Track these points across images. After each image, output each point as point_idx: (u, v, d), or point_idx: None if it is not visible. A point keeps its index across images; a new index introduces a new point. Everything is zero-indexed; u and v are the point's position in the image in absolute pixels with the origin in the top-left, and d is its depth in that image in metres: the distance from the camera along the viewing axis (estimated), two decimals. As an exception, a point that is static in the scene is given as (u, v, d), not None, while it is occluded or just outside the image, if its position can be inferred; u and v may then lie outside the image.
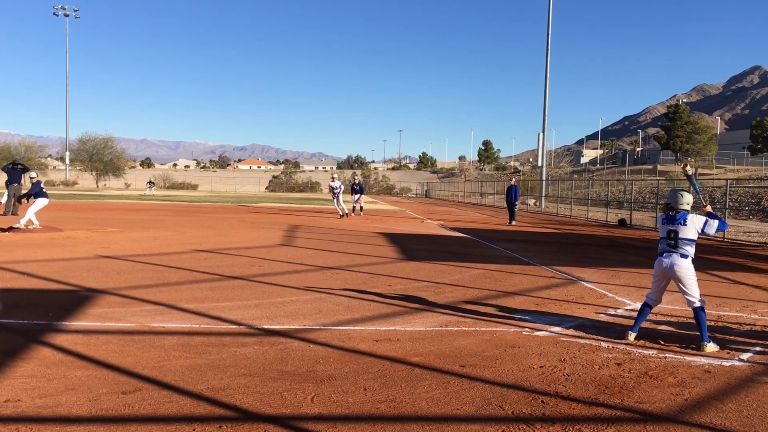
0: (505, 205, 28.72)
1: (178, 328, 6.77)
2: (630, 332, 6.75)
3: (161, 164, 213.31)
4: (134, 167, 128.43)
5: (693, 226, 6.50)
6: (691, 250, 6.54)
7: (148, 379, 5.06)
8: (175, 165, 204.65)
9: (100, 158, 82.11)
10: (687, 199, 6.62)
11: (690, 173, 7.57)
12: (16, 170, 24.17)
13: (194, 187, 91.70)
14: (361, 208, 29.20)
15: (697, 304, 6.55)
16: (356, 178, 31.60)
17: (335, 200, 27.19)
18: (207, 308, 7.78)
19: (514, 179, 30.72)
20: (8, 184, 23.71)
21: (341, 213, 27.15)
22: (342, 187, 27.51)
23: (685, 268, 6.53)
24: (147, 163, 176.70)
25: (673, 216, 6.62)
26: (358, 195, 28.72)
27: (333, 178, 28.17)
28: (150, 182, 64.82)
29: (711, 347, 6.31)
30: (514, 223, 26.63)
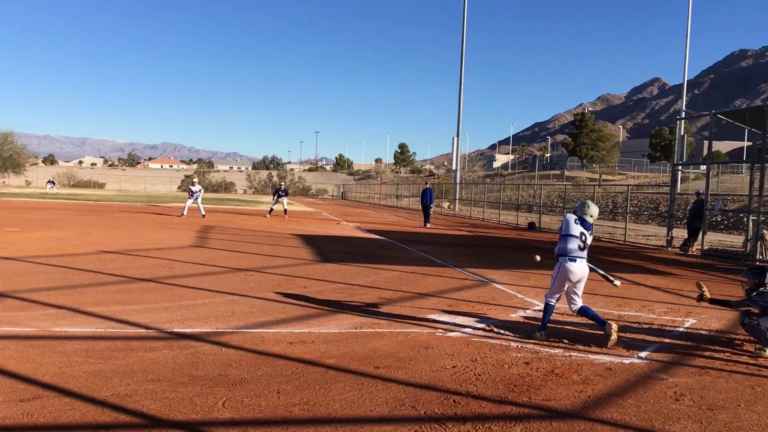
0: (420, 207, 29.13)
1: (81, 333, 6.48)
2: (539, 332, 7.04)
3: (66, 161, 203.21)
4: (36, 164, 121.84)
5: (589, 235, 7.15)
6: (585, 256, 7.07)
7: (48, 386, 4.82)
8: (80, 162, 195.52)
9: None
10: (593, 211, 7.17)
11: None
12: None
13: (101, 186, 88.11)
14: (285, 210, 29.89)
15: (581, 304, 7.09)
16: (282, 184, 34.60)
17: (191, 200, 27.58)
18: (113, 311, 7.48)
19: (429, 182, 31.23)
20: None
21: (183, 213, 27.48)
22: (202, 191, 28.42)
23: (586, 272, 7.11)
24: (50, 160, 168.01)
25: (585, 220, 7.09)
26: (284, 197, 30.02)
27: (194, 182, 29.03)
28: (50, 181, 61.84)
29: (613, 337, 6.64)
30: (428, 225, 27.02)
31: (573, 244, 6.96)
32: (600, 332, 6.83)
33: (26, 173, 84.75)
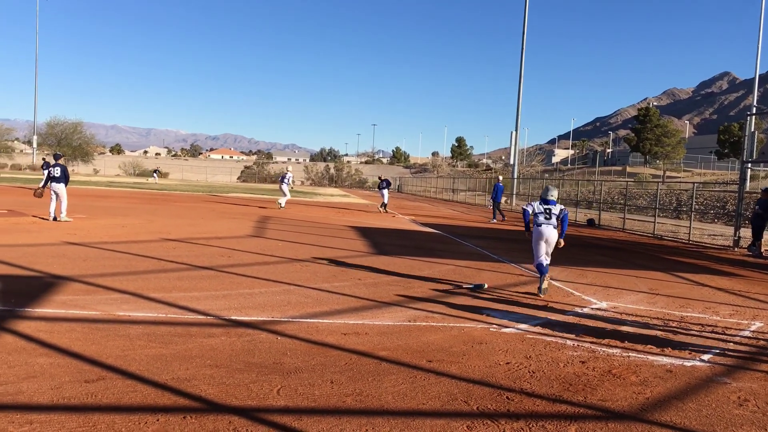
0: (487, 202, 28.59)
1: (144, 318, 6.70)
2: (541, 290, 9.26)
3: (131, 151, 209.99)
4: (103, 153, 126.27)
5: (558, 209, 9.48)
6: (555, 223, 9.43)
7: (111, 368, 5.00)
8: (145, 152, 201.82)
9: (68, 143, 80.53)
10: (554, 193, 9.66)
11: None
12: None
13: (165, 175, 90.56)
14: (384, 205, 29.69)
15: (548, 261, 9.49)
16: (381, 175, 33.36)
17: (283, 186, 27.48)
18: (174, 298, 7.70)
19: (501, 177, 30.42)
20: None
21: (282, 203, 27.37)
22: (291, 176, 28.38)
23: (555, 235, 9.43)
24: (117, 150, 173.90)
25: (547, 200, 9.51)
26: (385, 190, 29.72)
27: (287, 168, 29.20)
28: (156, 171, 63.97)
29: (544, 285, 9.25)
30: (494, 221, 26.41)
31: (540, 218, 9.45)
32: (657, 333, 6.64)
33: (94, 162, 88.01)
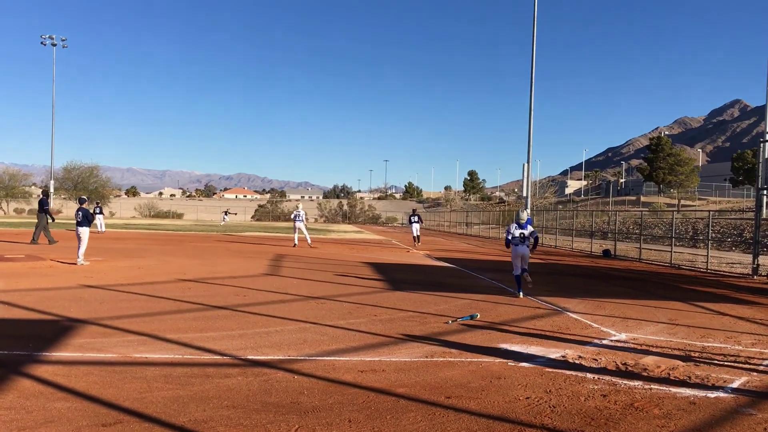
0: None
1: (160, 359, 6.69)
2: (519, 293, 12.54)
3: (147, 193, 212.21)
4: (119, 196, 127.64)
5: (529, 232, 12.58)
6: (527, 244, 12.58)
7: (129, 411, 4.98)
8: (160, 194, 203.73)
9: (85, 187, 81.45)
10: (524, 215, 12.73)
11: None
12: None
13: (180, 216, 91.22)
14: (417, 238, 30.55)
15: (525, 266, 12.62)
16: (414, 210, 33.47)
17: (297, 225, 27.48)
18: (190, 338, 7.70)
19: (523, 211, 30.07)
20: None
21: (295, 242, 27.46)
22: (304, 213, 28.24)
23: (527, 252, 12.64)
24: (132, 192, 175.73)
25: (521, 224, 12.60)
26: (418, 224, 30.66)
27: (297, 206, 28.97)
28: (226, 212, 64.60)
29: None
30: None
31: (516, 240, 12.54)
32: (679, 362, 6.54)
33: (110, 205, 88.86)
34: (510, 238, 12.59)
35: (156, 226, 51.53)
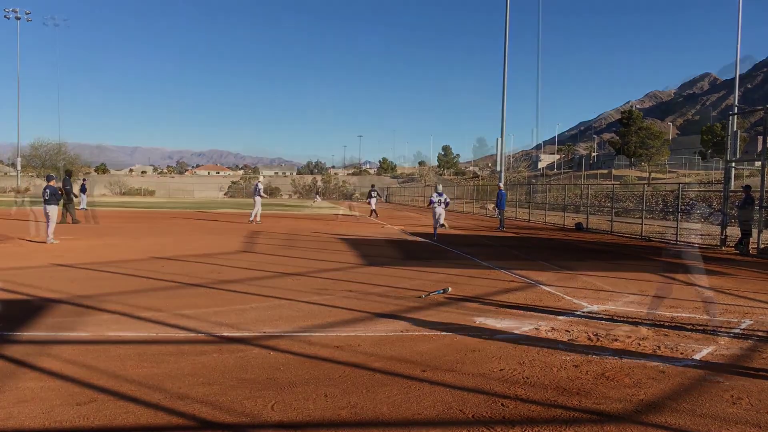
0: (492, 210, 28.84)
1: (134, 337, 6.65)
2: (435, 236, 19.70)
3: (117, 170, 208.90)
4: (89, 173, 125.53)
5: (444, 198, 19.81)
6: (443, 206, 19.65)
7: (103, 389, 4.96)
8: (131, 171, 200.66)
9: (53, 164, 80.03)
10: (440, 187, 20.64)
11: None
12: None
13: (151, 194, 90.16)
14: (374, 211, 34.51)
15: (441, 222, 19.75)
16: (373, 185, 38.73)
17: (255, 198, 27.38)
18: (165, 316, 7.65)
19: (502, 184, 29.92)
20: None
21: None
22: (262, 186, 28.36)
23: (443, 212, 19.65)
24: (102, 169, 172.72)
25: (439, 193, 19.76)
26: (374, 199, 34.87)
27: (259, 180, 29.63)
28: (317, 192, 64.25)
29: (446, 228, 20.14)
30: (502, 229, 26.23)
31: (435, 203, 19.46)
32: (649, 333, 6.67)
33: (79, 182, 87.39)
34: (432, 200, 19.73)
35: (127, 203, 50.90)
